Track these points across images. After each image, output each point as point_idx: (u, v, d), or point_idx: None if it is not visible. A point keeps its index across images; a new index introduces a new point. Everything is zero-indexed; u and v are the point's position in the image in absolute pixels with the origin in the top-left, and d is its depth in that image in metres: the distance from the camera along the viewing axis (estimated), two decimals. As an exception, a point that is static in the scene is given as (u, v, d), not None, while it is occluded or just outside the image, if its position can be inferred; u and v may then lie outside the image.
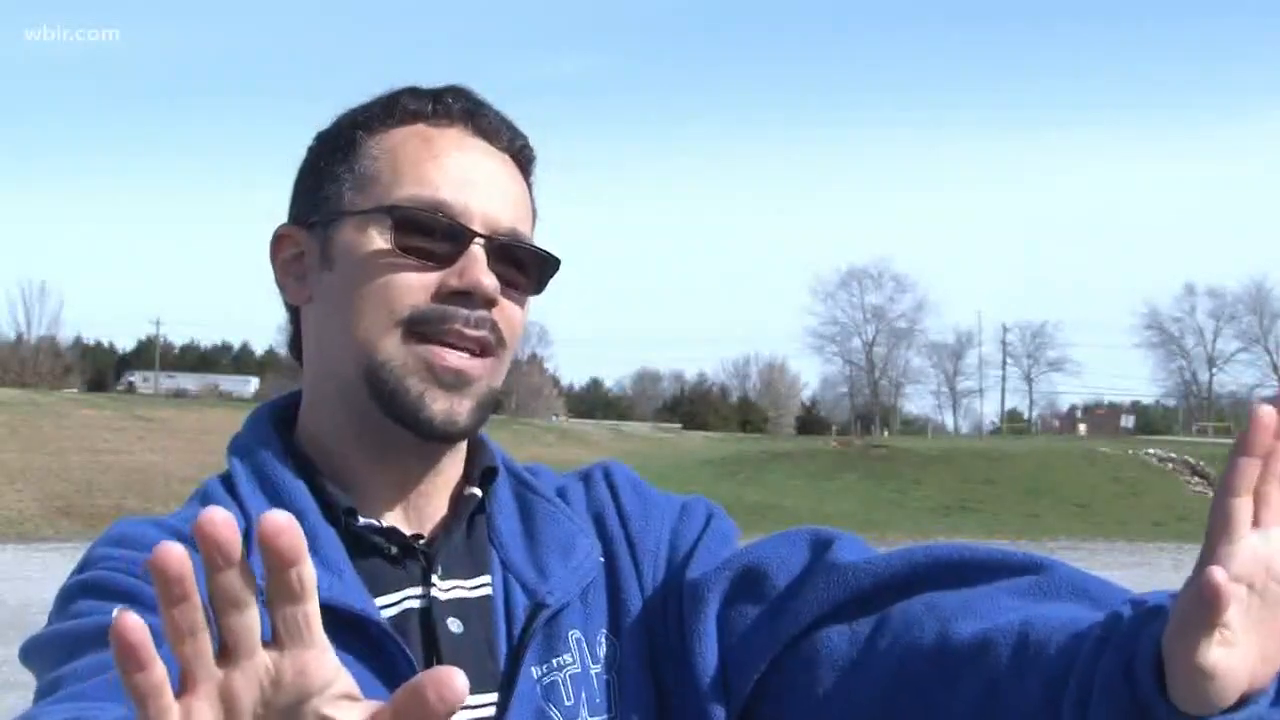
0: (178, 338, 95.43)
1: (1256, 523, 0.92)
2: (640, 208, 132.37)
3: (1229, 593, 0.87)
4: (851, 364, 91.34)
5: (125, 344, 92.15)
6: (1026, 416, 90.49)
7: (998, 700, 1.04)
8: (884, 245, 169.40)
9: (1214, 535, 0.91)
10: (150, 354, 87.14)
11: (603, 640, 1.23)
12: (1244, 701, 0.93)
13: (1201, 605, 0.88)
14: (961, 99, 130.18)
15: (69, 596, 1.09)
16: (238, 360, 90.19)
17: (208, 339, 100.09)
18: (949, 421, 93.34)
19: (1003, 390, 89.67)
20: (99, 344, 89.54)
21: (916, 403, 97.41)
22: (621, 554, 1.26)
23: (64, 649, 1.03)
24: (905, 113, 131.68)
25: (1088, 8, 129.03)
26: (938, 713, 1.08)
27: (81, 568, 1.11)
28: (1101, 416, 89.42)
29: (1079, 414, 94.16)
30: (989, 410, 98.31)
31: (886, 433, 79.86)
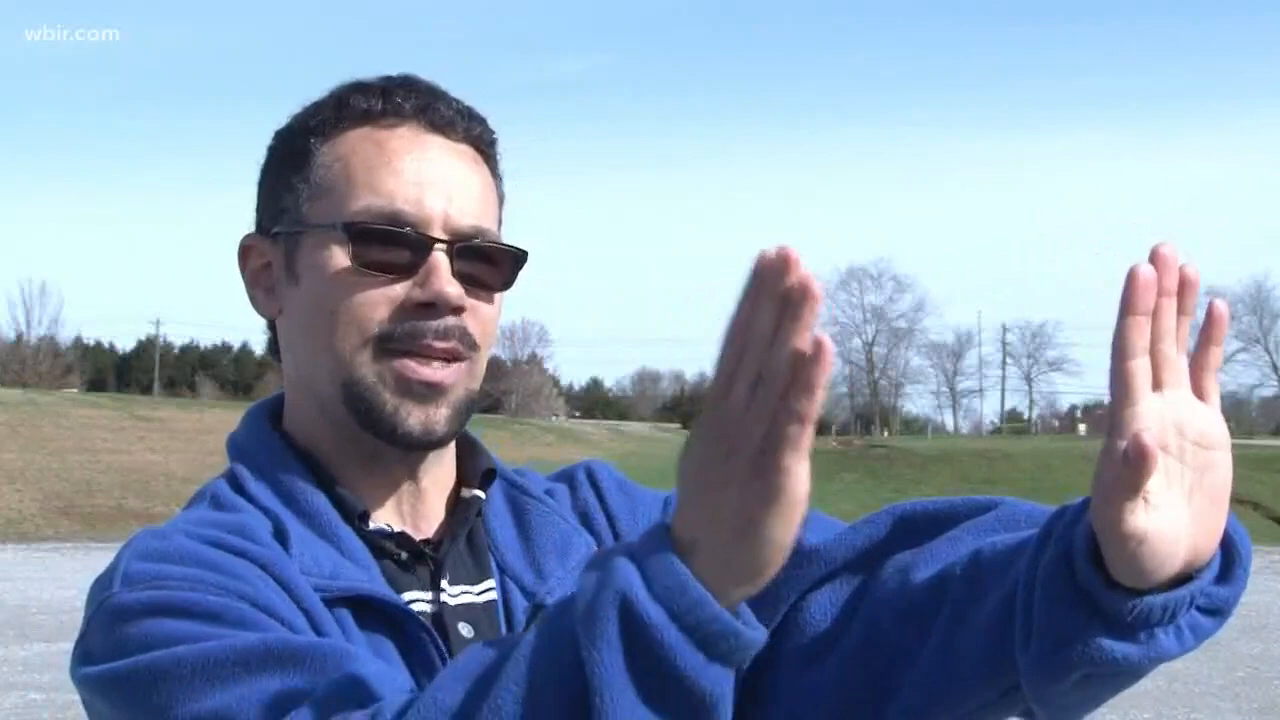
0: (178, 338, 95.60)
1: (1158, 384, 0.91)
2: (640, 207, 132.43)
3: (1155, 454, 0.86)
4: (851, 364, 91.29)
5: (125, 344, 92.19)
6: (1026, 416, 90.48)
7: (959, 630, 1.05)
8: (884, 245, 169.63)
9: (1116, 400, 0.90)
10: (150, 354, 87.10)
11: None
12: (1188, 577, 0.93)
13: (1127, 468, 0.87)
14: (961, 99, 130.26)
15: (133, 615, 1.01)
16: (238, 360, 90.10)
17: (208, 339, 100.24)
18: (949, 421, 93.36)
19: (1003, 390, 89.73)
20: (99, 344, 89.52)
21: (916, 403, 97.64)
22: None
23: (215, 674, 0.96)
24: (905, 112, 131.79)
25: (1088, 8, 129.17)
26: (906, 661, 1.09)
27: (130, 584, 1.04)
28: (1101, 416, 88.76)
29: (1079, 414, 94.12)
30: (989, 410, 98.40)
31: (886, 433, 79.86)
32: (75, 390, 60.05)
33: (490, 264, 1.19)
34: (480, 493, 1.23)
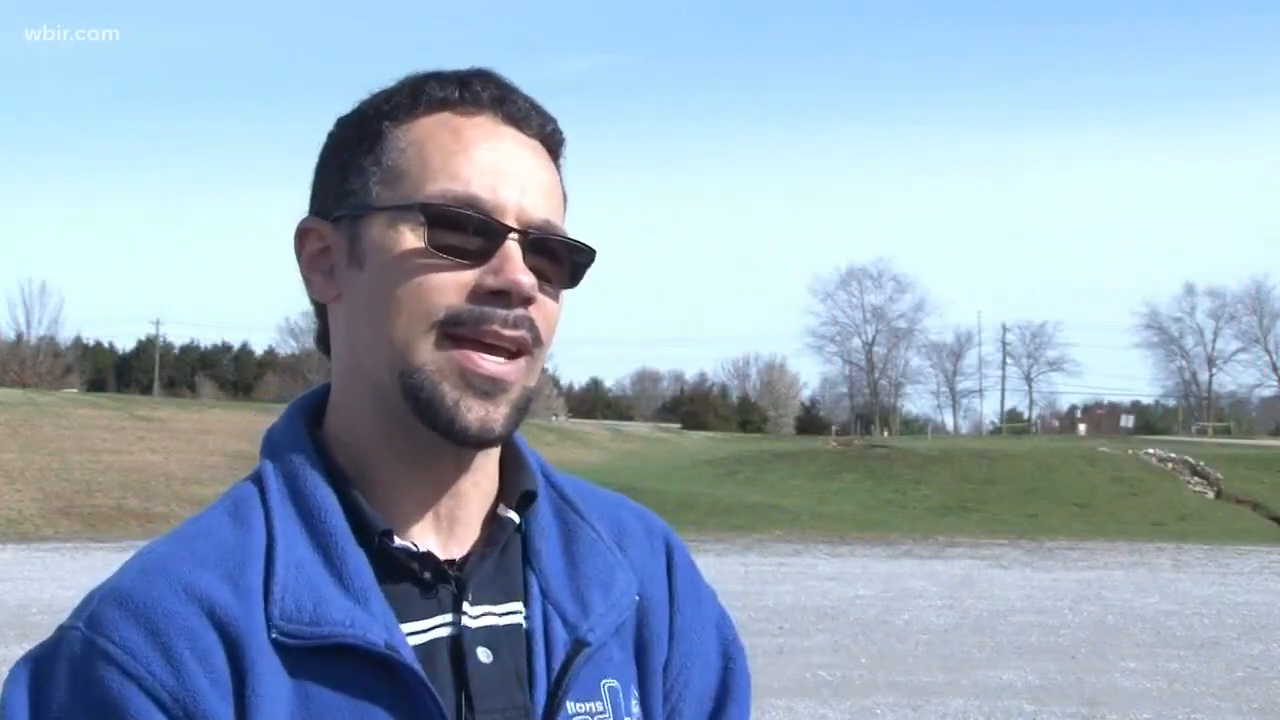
0: (178, 338, 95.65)
1: None
2: (641, 207, 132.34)
3: None
4: (851, 364, 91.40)
5: (125, 344, 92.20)
6: (1026, 416, 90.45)
7: None
8: (884, 245, 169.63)
9: None
10: (150, 354, 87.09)
11: (635, 700, 1.19)
12: None
13: None
14: (961, 99, 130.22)
15: (65, 673, 1.05)
16: (238, 360, 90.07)
17: (208, 339, 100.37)
18: (949, 421, 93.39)
19: (1003, 390, 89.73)
20: (99, 344, 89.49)
21: (916, 403, 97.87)
22: (658, 630, 1.23)
23: None
24: (905, 112, 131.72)
25: (1088, 8, 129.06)
26: None
27: (92, 624, 1.06)
28: (1101, 416, 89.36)
29: (1079, 414, 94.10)
30: (989, 410, 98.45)
31: (886, 433, 79.83)
32: (75, 390, 60.05)
33: (557, 260, 1.16)
34: (515, 515, 1.20)
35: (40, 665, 1.07)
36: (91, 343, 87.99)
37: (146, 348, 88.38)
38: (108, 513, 29.82)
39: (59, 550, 24.08)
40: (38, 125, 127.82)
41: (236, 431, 37.71)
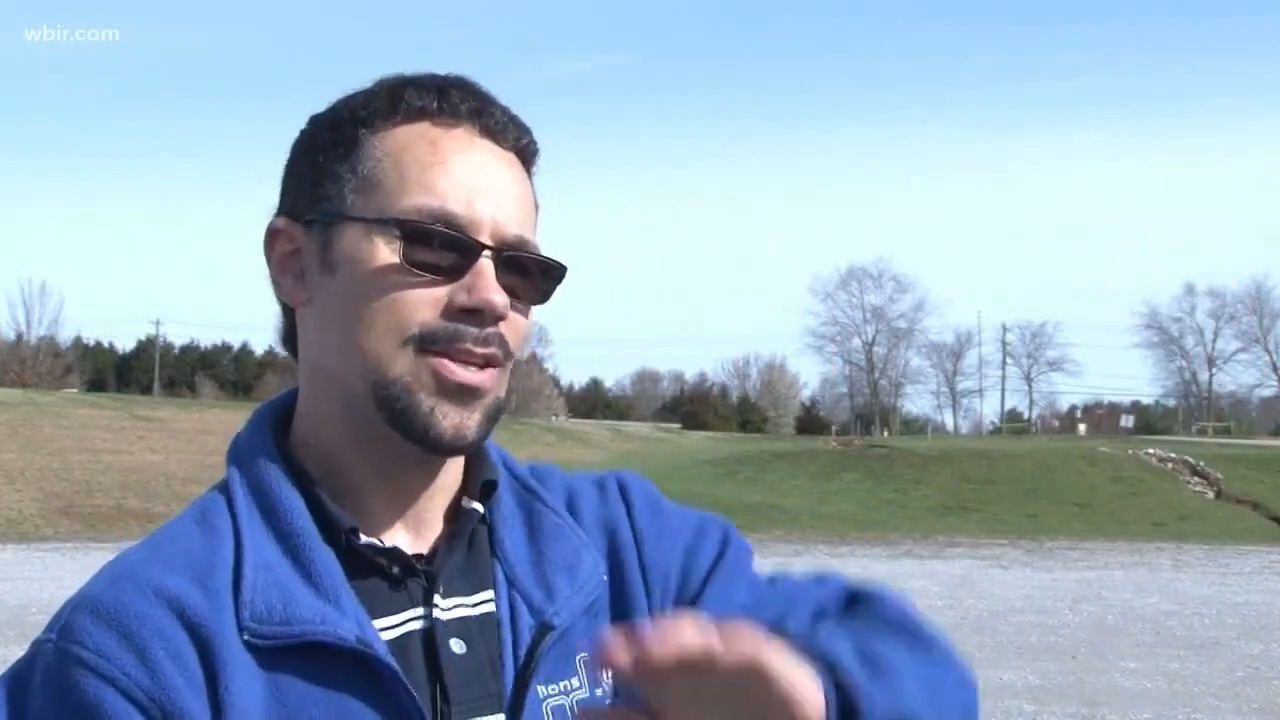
0: (178, 338, 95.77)
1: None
2: (641, 207, 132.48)
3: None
4: (851, 364, 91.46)
5: (125, 344, 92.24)
6: (1026, 416, 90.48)
7: None
8: (884, 245, 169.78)
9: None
10: (150, 354, 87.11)
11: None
12: None
13: None
14: (961, 99, 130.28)
15: (39, 683, 1.06)
16: (238, 360, 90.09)
17: (208, 339, 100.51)
18: (949, 421, 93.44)
19: (1003, 390, 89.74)
20: (99, 344, 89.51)
21: (916, 403, 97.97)
22: (632, 577, 1.23)
23: None
24: (904, 112, 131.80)
25: (1088, 8, 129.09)
26: None
27: (64, 633, 1.07)
28: (1101, 416, 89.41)
29: (1079, 414, 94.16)
30: (989, 410, 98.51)
31: (886, 433, 79.88)
32: (75, 390, 60.07)
33: (529, 276, 1.17)
34: (479, 506, 1.21)
35: (17, 680, 1.08)
36: (91, 343, 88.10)
37: (146, 348, 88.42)
38: (108, 513, 29.84)
39: (59, 550, 24.10)
40: (38, 125, 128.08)
41: (236, 431, 37.55)
